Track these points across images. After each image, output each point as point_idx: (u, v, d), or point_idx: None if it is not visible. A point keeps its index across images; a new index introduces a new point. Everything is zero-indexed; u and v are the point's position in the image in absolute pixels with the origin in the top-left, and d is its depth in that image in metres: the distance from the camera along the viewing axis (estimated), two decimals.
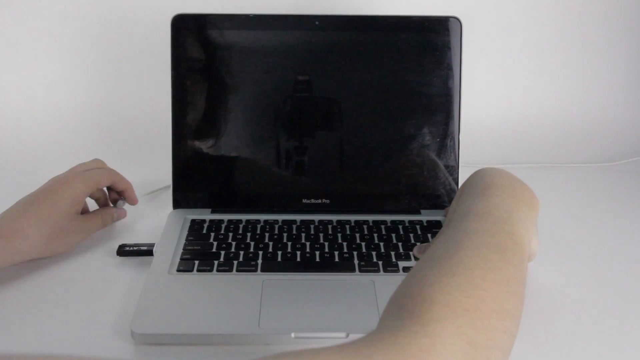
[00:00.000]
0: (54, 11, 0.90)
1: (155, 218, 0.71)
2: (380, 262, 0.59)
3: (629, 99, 1.01)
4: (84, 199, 0.62)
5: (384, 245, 0.62)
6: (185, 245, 0.62)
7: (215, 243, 0.62)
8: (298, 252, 0.61)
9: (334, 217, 0.68)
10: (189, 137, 0.68)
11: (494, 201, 0.47)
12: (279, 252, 0.61)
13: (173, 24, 0.67)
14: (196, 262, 0.59)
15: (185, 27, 0.67)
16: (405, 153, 0.69)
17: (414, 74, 0.68)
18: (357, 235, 0.64)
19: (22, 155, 0.89)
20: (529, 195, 0.50)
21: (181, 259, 0.60)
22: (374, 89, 0.69)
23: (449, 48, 0.68)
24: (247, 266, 0.58)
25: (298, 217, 0.68)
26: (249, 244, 0.62)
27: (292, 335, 0.49)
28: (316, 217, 0.68)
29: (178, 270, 0.58)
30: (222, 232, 0.64)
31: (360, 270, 0.58)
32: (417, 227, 0.66)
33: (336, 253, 0.61)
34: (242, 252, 0.61)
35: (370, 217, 0.68)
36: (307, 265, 0.59)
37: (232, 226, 0.66)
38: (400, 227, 0.66)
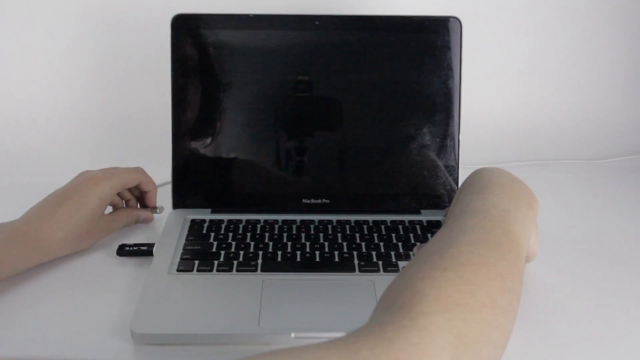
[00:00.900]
0: (54, 11, 0.90)
1: (155, 218, 0.71)
2: (380, 262, 0.60)
3: (626, 98, 1.01)
4: (109, 200, 0.64)
5: (384, 245, 0.62)
6: (185, 245, 0.62)
7: (215, 243, 0.62)
8: (298, 252, 0.61)
9: (334, 217, 0.68)
10: (189, 137, 0.68)
11: (492, 199, 0.47)
12: (279, 252, 0.61)
13: (173, 24, 0.67)
14: (196, 262, 0.59)
15: (185, 27, 0.67)
16: (405, 153, 0.69)
17: (414, 74, 0.68)
18: (357, 235, 0.64)
19: (22, 155, 0.89)
20: (527, 194, 0.50)
21: (181, 259, 0.60)
22: (374, 89, 0.69)
23: (449, 48, 0.68)
24: (247, 266, 0.58)
25: (298, 217, 0.68)
26: (249, 244, 0.62)
27: (292, 335, 0.49)
28: (316, 217, 0.68)
29: (178, 270, 0.58)
30: (222, 232, 0.64)
31: (360, 270, 0.58)
32: (417, 227, 0.66)
33: (336, 253, 0.61)
34: (242, 252, 0.61)
35: (370, 217, 0.68)
36: (307, 265, 0.59)
37: (232, 226, 0.66)
38: (400, 227, 0.66)
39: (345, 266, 0.59)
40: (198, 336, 0.49)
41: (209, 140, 0.69)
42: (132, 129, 0.92)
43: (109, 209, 0.68)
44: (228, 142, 0.69)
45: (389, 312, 0.36)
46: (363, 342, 0.32)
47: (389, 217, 0.68)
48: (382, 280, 0.56)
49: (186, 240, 0.63)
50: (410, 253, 0.61)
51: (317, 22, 0.68)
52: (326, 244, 0.63)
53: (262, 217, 0.67)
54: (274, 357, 0.32)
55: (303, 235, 0.64)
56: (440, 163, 0.70)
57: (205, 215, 0.68)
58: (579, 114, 1.00)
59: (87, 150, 0.90)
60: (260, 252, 0.61)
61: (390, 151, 0.69)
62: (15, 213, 0.60)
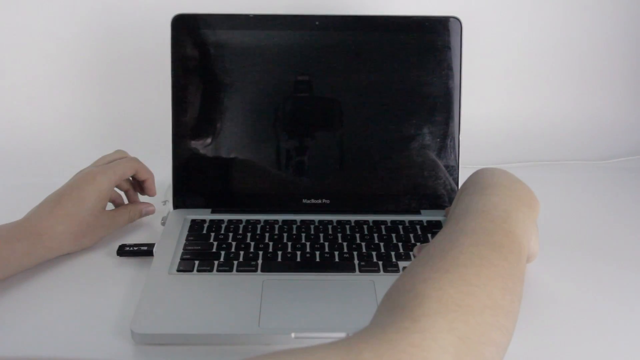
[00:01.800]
0: (54, 11, 0.90)
1: (156, 218, 0.71)
2: (380, 262, 0.59)
3: (626, 98, 1.01)
4: (108, 194, 0.64)
5: (384, 246, 0.62)
6: (185, 245, 0.62)
7: (215, 243, 0.62)
8: (298, 252, 0.61)
9: (334, 217, 0.68)
10: (189, 137, 0.68)
11: (493, 200, 0.47)
12: (279, 252, 0.61)
13: (173, 24, 0.67)
14: (196, 262, 0.59)
15: (185, 27, 0.67)
16: (405, 153, 0.69)
17: (414, 74, 0.68)
18: (357, 235, 0.64)
19: (22, 155, 0.89)
20: (528, 195, 0.50)
21: (181, 259, 0.60)
22: (374, 89, 0.69)
23: (449, 48, 0.68)
24: (247, 266, 0.58)
25: (298, 217, 0.68)
26: (249, 244, 0.62)
27: (292, 335, 0.49)
28: (316, 217, 0.68)
29: (178, 270, 0.58)
30: (222, 232, 0.64)
31: (360, 270, 0.58)
32: (417, 227, 0.66)
33: (336, 253, 0.61)
34: (242, 252, 0.61)
35: (370, 217, 0.68)
36: (307, 266, 0.59)
37: (232, 226, 0.66)
38: (400, 227, 0.66)
39: (345, 266, 0.59)
40: (198, 336, 0.49)
41: (209, 140, 0.69)
42: (132, 129, 0.92)
43: (110, 206, 0.68)
44: (228, 142, 0.69)
45: (391, 314, 0.36)
46: (365, 343, 0.32)
47: (389, 217, 0.68)
48: (382, 281, 0.56)
49: (186, 240, 0.63)
50: (411, 253, 0.61)
51: (317, 22, 0.68)
52: (326, 244, 0.63)
53: (262, 217, 0.67)
54: (275, 359, 0.32)
55: (303, 235, 0.64)
56: (441, 163, 0.69)
57: (206, 215, 0.68)
58: (580, 114, 1.00)
59: (87, 150, 0.90)
60: (261, 252, 0.61)
61: (390, 151, 0.69)
62: (15, 213, 0.60)
